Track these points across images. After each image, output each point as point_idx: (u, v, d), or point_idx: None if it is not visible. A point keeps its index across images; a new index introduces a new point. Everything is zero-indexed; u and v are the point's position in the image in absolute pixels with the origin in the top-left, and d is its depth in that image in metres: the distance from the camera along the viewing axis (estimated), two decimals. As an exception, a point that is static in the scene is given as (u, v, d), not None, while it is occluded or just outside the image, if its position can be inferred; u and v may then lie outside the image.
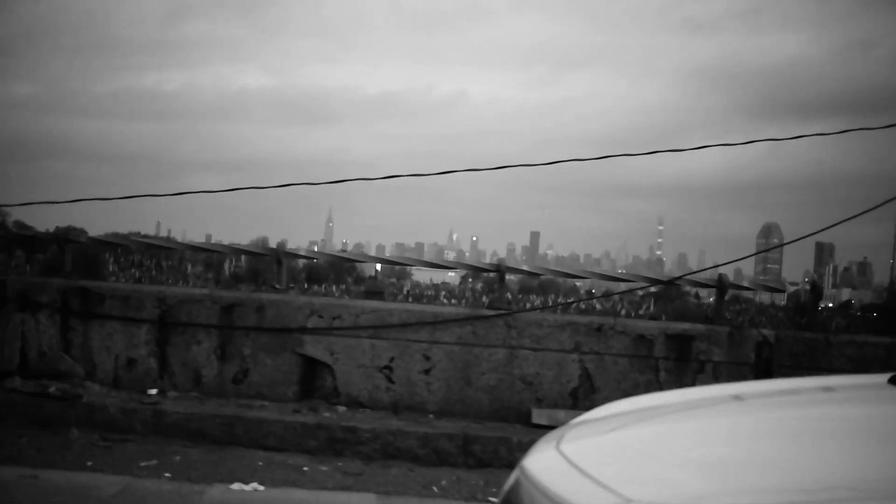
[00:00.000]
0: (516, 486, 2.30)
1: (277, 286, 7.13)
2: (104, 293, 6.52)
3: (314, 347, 6.39)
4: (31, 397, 5.93)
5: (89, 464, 5.17)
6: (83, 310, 6.49)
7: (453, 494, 5.15)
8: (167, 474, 5.06)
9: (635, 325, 6.55)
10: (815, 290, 6.82)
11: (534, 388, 6.35)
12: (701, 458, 2.19)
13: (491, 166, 6.94)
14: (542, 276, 9.85)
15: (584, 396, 6.31)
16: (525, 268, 8.51)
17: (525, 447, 2.74)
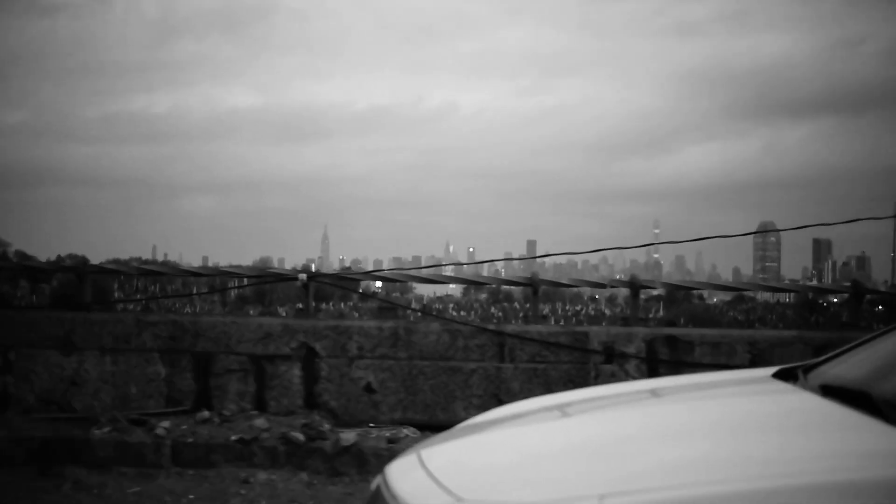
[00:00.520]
0: (377, 490, 2.45)
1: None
2: (693, 339, 6.19)
3: None
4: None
5: None
6: (672, 359, 6.13)
7: None
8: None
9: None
10: (858, 289, 6.98)
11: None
12: (553, 457, 2.30)
13: (537, 254, 6.87)
14: (613, 287, 9.55)
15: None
16: (566, 281, 8.08)
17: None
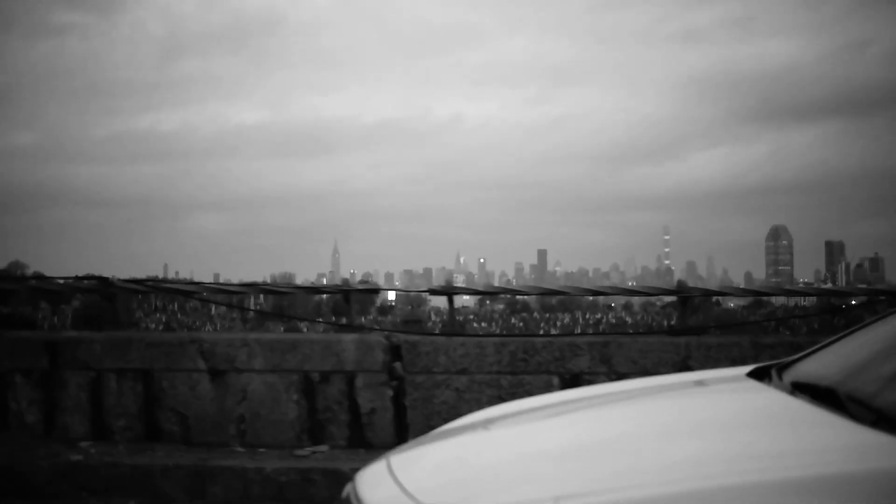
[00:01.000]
0: (346, 498, 2.50)
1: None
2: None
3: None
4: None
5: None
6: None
7: None
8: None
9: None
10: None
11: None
12: (517, 462, 2.35)
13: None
14: (656, 296, 9.36)
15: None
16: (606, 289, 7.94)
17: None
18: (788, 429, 2.29)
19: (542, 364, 5.77)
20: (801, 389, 2.55)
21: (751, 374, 2.92)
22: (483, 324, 22.79)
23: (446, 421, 5.75)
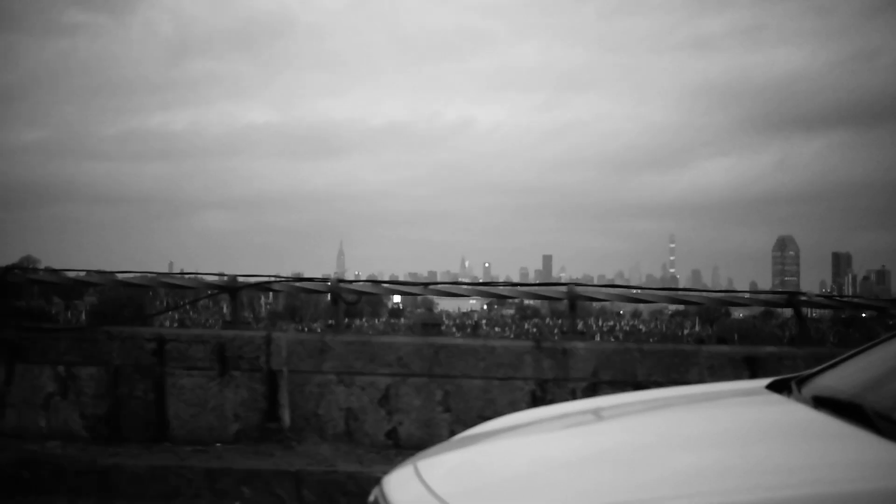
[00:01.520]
0: (374, 502, 2.51)
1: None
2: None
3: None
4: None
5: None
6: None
7: None
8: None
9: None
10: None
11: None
12: (546, 468, 2.33)
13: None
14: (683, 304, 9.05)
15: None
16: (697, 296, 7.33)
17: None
18: (813, 443, 2.26)
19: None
20: (823, 403, 2.52)
21: (770, 387, 2.90)
22: (497, 328, 22.72)
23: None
